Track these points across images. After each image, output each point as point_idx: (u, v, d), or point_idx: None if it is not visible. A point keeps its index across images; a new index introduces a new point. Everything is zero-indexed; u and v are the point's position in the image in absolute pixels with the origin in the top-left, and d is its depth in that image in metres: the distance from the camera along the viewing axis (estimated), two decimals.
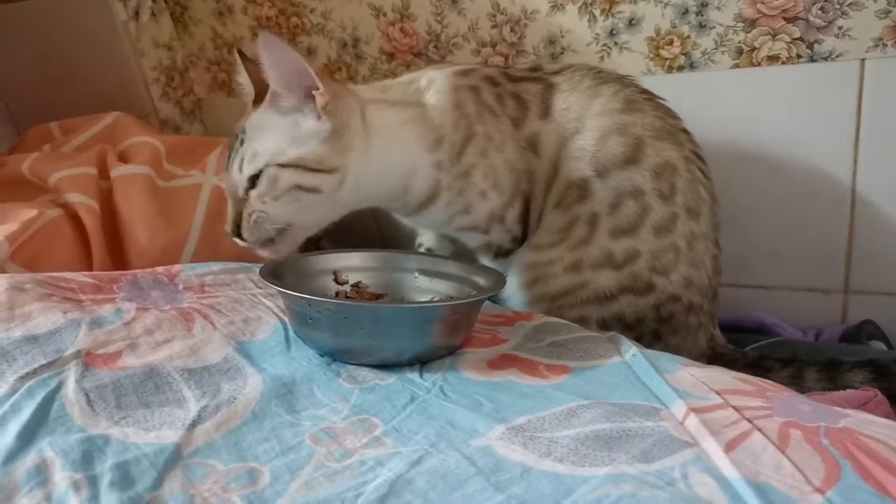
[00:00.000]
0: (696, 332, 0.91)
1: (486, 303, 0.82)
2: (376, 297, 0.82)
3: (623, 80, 0.92)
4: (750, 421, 0.55)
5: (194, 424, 0.56)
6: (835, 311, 1.11)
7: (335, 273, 0.83)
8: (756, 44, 1.07)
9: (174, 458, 0.52)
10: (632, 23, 1.13)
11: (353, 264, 0.84)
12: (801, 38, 1.04)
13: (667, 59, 1.12)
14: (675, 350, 0.83)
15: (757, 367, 0.85)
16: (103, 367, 0.62)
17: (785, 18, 1.04)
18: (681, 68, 1.12)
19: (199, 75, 1.53)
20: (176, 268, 0.87)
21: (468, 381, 0.65)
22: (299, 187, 0.79)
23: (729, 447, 0.51)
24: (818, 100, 1.06)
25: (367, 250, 0.87)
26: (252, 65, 0.83)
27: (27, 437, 0.52)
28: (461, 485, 0.49)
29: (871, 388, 0.73)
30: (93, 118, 1.24)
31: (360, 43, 1.33)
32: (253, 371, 0.65)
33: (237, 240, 0.82)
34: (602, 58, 1.16)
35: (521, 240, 0.94)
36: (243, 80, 0.86)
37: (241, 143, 0.80)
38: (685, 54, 1.11)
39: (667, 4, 1.10)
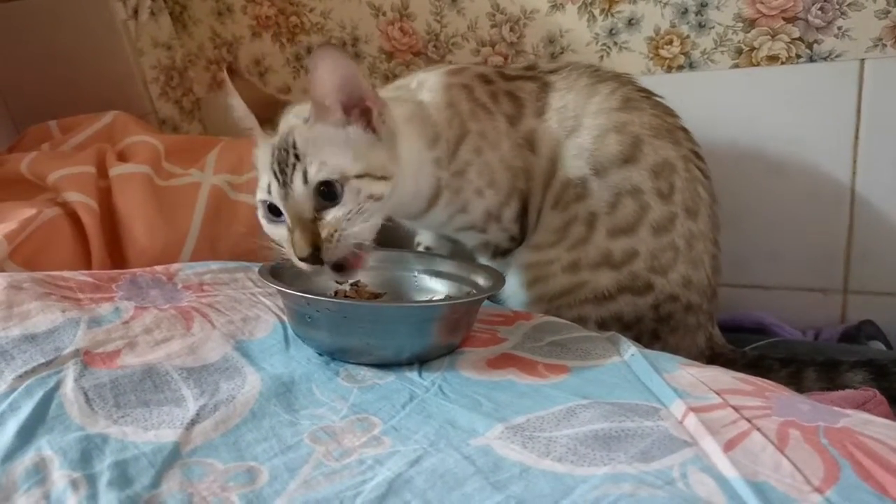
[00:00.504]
0: (695, 331, 0.91)
1: (486, 302, 0.82)
2: (375, 296, 0.82)
3: (620, 79, 0.92)
4: (749, 421, 0.55)
5: (193, 423, 0.56)
6: (834, 311, 1.11)
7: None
8: (755, 44, 1.07)
9: (173, 456, 0.52)
10: (631, 22, 1.13)
11: None
12: (800, 38, 1.04)
13: (666, 58, 1.12)
14: (674, 350, 0.83)
15: (756, 366, 0.85)
16: (102, 366, 0.62)
17: (784, 18, 1.04)
18: (680, 68, 1.12)
19: (198, 74, 1.52)
20: (175, 267, 0.87)
21: (467, 381, 0.65)
22: (372, 197, 0.74)
23: (728, 447, 0.51)
24: (818, 100, 1.06)
25: None
26: (243, 84, 0.79)
27: (26, 435, 0.52)
28: (460, 484, 0.49)
29: (870, 388, 0.73)
30: (92, 117, 1.24)
31: (360, 42, 1.33)
32: (252, 370, 0.65)
33: (307, 265, 0.72)
34: (601, 57, 1.15)
35: (519, 239, 0.94)
36: (235, 101, 0.79)
37: (297, 158, 0.73)
38: (685, 54, 1.11)
39: (666, 4, 1.10)
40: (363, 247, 0.75)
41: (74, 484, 0.47)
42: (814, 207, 1.09)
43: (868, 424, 0.54)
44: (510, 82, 0.92)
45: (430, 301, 0.80)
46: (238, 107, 0.79)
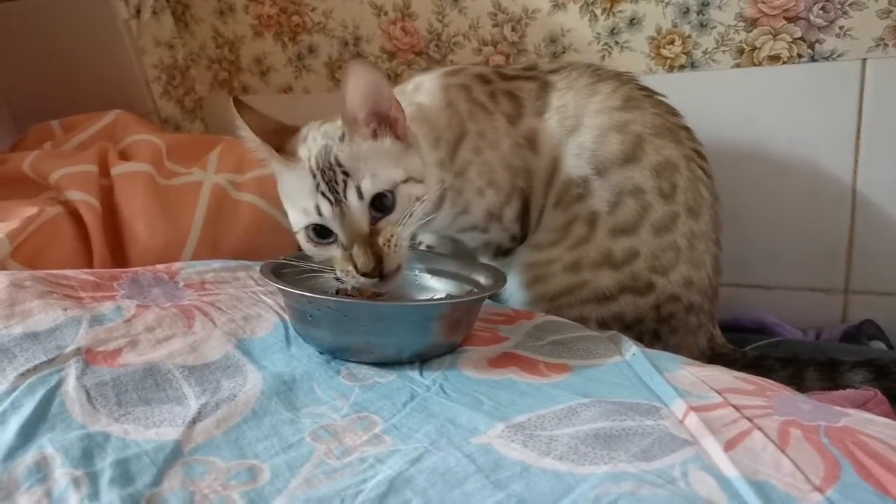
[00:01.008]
0: (696, 331, 0.90)
1: (487, 301, 0.82)
2: (377, 294, 0.82)
3: (621, 78, 0.92)
4: (750, 420, 0.55)
5: (194, 421, 0.56)
6: (835, 311, 1.11)
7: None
8: (757, 43, 1.07)
9: (174, 455, 0.52)
10: (633, 22, 1.13)
11: None
12: (802, 38, 1.04)
13: (668, 58, 1.12)
14: (675, 350, 0.83)
15: (757, 366, 0.85)
16: (104, 365, 0.62)
17: (786, 18, 1.04)
18: (682, 67, 1.12)
19: (200, 74, 1.53)
20: (176, 265, 0.87)
21: (468, 380, 0.65)
22: (417, 199, 0.76)
23: (729, 446, 0.51)
24: (819, 99, 1.05)
25: None
26: (251, 115, 0.77)
27: (27, 433, 0.52)
28: (461, 482, 0.49)
29: (871, 388, 0.73)
30: (94, 116, 1.24)
31: (362, 42, 1.33)
32: (253, 368, 0.65)
33: (369, 279, 0.72)
34: (603, 57, 1.15)
35: (520, 239, 0.94)
36: (246, 133, 0.77)
37: (345, 174, 0.72)
38: (686, 54, 1.11)
39: (668, 4, 1.10)
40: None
41: (76, 482, 0.48)
42: (815, 207, 1.08)
43: (869, 424, 0.54)
44: (509, 82, 0.92)
45: (432, 300, 0.80)
46: (249, 138, 0.77)
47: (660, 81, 0.97)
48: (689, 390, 0.61)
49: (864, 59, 1.02)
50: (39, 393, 0.56)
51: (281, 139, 0.77)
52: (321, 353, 0.70)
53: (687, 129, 0.91)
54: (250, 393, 0.61)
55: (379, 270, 0.72)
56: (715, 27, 1.08)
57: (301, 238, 0.77)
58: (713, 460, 0.49)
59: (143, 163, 1.10)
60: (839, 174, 1.06)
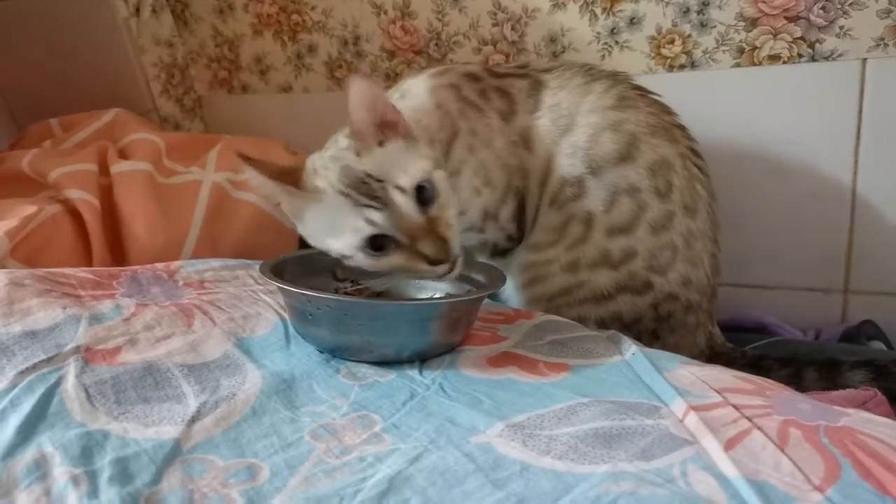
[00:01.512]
0: (695, 331, 0.90)
1: (487, 300, 0.82)
2: (376, 294, 0.82)
3: (615, 77, 0.91)
4: (749, 419, 0.55)
5: (193, 420, 0.56)
6: (834, 311, 1.11)
7: (334, 270, 0.83)
8: (757, 43, 1.07)
9: (173, 453, 0.52)
10: (633, 21, 1.13)
11: None
12: (802, 38, 1.04)
13: (668, 58, 1.12)
14: (674, 349, 0.83)
15: (756, 366, 0.85)
16: (103, 363, 0.62)
17: (786, 18, 1.04)
18: (682, 67, 1.12)
19: (199, 72, 1.53)
20: (176, 264, 0.87)
21: (468, 379, 0.65)
22: (449, 182, 0.76)
23: (728, 445, 0.51)
24: (819, 99, 1.05)
25: None
26: (260, 165, 0.75)
27: (26, 432, 0.52)
28: (460, 482, 0.49)
29: (871, 388, 0.73)
30: (93, 115, 1.24)
31: (361, 41, 1.33)
32: (252, 367, 0.65)
33: (442, 266, 0.72)
34: (603, 56, 1.15)
35: (517, 239, 0.94)
36: (260, 181, 0.74)
37: (379, 181, 0.72)
38: (686, 53, 1.11)
39: (668, 3, 1.10)
40: None
41: (75, 480, 0.47)
42: (815, 207, 1.08)
43: (869, 423, 0.54)
44: (500, 79, 0.92)
45: (431, 299, 0.80)
46: (265, 185, 0.75)
47: (660, 81, 0.97)
48: (688, 390, 0.61)
49: (865, 59, 1.01)
50: (39, 391, 0.56)
51: (293, 179, 0.75)
52: (321, 351, 0.70)
53: (682, 127, 0.91)
54: (250, 392, 0.61)
55: (447, 253, 0.72)
56: (715, 27, 1.08)
57: (359, 259, 0.74)
58: (713, 460, 0.49)
59: (143, 161, 1.09)
60: (839, 174, 1.06)
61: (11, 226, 0.90)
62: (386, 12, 1.29)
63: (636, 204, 0.86)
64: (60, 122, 1.26)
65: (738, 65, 1.09)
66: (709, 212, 0.90)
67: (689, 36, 1.10)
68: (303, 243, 0.90)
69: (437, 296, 0.81)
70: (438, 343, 0.70)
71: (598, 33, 1.15)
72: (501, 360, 0.69)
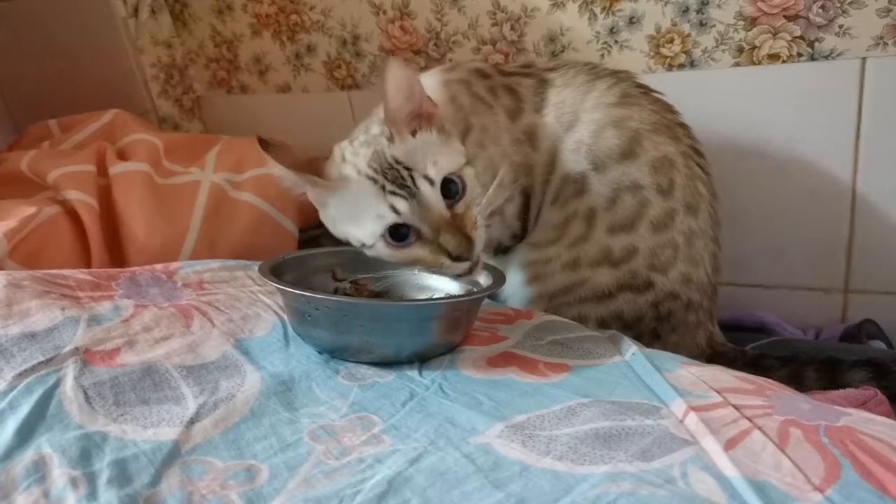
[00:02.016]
0: (696, 330, 0.90)
1: (487, 301, 0.82)
2: (376, 294, 0.82)
3: (618, 75, 0.92)
4: (750, 419, 0.54)
5: (192, 422, 0.56)
6: (835, 310, 1.11)
7: (333, 270, 0.83)
8: (757, 42, 1.07)
9: (172, 455, 0.52)
10: (632, 21, 1.12)
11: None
12: (801, 37, 1.04)
13: (667, 57, 1.12)
14: (675, 348, 0.83)
15: (756, 365, 0.85)
16: (101, 365, 0.62)
17: (786, 17, 1.04)
18: (681, 66, 1.12)
19: (198, 73, 1.52)
20: (174, 265, 0.87)
21: (467, 379, 0.64)
22: (477, 179, 0.76)
23: (728, 445, 0.51)
24: (819, 98, 1.05)
25: None
26: (278, 151, 0.74)
27: (25, 434, 0.52)
28: (460, 482, 0.49)
29: (871, 387, 0.73)
30: (92, 115, 1.24)
31: (360, 41, 1.33)
32: (251, 368, 0.65)
33: (462, 263, 0.72)
34: (602, 55, 1.15)
35: (520, 236, 0.94)
36: (279, 171, 0.73)
37: (408, 169, 0.71)
38: (686, 52, 1.11)
39: (667, 2, 1.09)
40: None
41: (74, 482, 0.47)
42: (815, 206, 1.08)
43: (869, 423, 0.54)
44: (507, 77, 0.92)
45: (431, 299, 0.80)
46: (286, 176, 0.73)
47: (659, 80, 0.97)
48: (688, 390, 0.61)
49: (864, 58, 1.01)
50: (37, 393, 0.56)
51: (314, 169, 0.75)
52: (320, 352, 0.70)
53: (684, 126, 0.91)
54: (249, 393, 0.61)
55: (470, 251, 0.72)
56: (714, 26, 1.08)
57: (379, 249, 0.73)
58: (713, 460, 0.49)
59: (141, 162, 1.09)
60: (839, 173, 1.06)
61: (10, 227, 0.90)
62: (385, 12, 1.28)
63: (638, 201, 0.86)
64: (59, 123, 1.26)
65: (737, 64, 1.09)
66: (710, 211, 0.90)
67: (689, 35, 1.10)
68: (302, 243, 0.90)
69: (437, 296, 0.81)
70: (438, 343, 0.70)
71: (598, 32, 1.15)
72: (501, 360, 0.68)
